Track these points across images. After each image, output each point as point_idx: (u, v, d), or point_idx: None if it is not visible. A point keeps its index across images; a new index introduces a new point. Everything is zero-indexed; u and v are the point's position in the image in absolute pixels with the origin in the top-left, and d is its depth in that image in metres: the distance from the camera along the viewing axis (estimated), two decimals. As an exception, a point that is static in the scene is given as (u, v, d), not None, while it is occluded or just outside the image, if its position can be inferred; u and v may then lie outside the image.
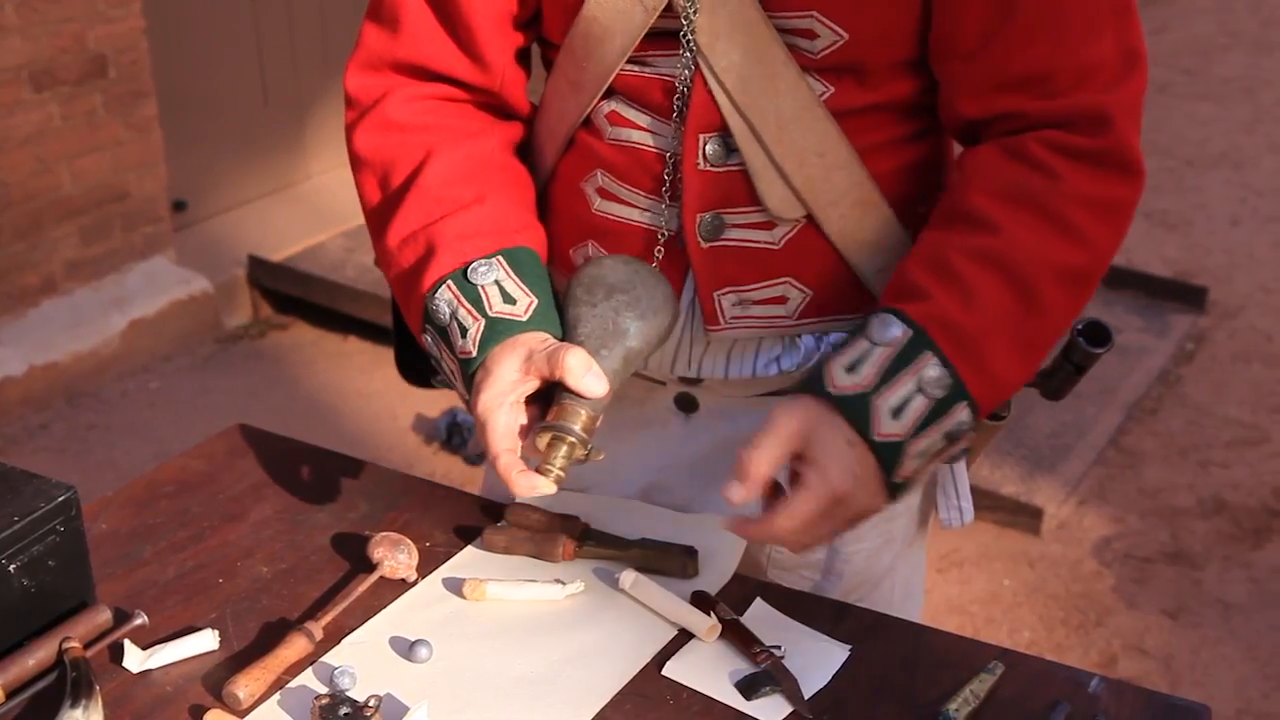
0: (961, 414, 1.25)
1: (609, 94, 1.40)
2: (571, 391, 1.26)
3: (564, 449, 1.25)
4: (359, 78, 1.45)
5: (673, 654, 1.29)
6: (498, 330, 1.30)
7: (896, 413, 1.23)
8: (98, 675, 1.23)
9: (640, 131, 1.39)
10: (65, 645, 1.24)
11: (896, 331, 1.24)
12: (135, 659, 1.27)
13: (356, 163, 1.45)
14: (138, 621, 1.29)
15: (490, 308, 1.31)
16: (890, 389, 1.23)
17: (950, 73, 1.33)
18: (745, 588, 1.38)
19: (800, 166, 1.35)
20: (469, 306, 1.32)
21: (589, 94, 1.40)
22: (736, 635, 1.30)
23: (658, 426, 1.52)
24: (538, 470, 1.25)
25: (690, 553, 1.39)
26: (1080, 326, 1.45)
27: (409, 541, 1.39)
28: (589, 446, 1.26)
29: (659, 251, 1.40)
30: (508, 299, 1.32)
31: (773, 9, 1.30)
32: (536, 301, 1.32)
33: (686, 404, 1.50)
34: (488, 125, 1.46)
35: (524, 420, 1.29)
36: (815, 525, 1.23)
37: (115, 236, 4.23)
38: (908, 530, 1.57)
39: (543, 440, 1.26)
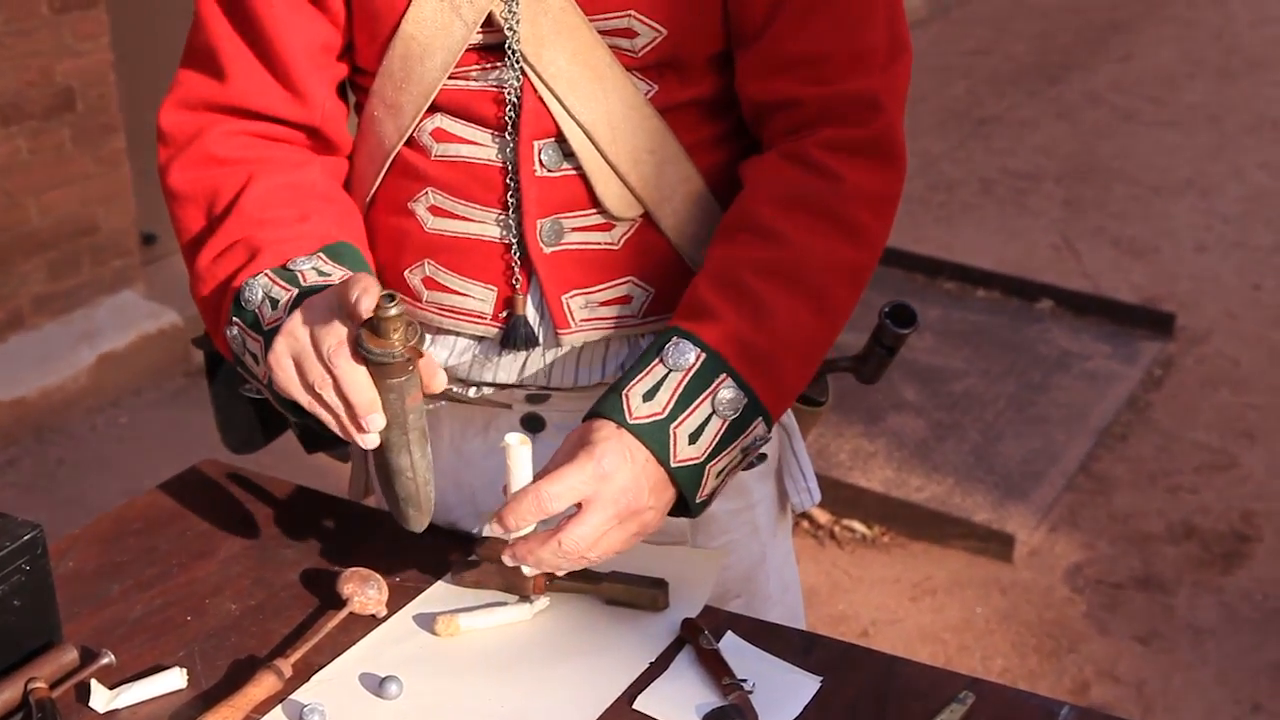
0: (758, 429, 1.32)
1: (432, 111, 1.40)
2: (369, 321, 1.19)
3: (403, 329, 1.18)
4: (175, 115, 1.43)
5: (644, 687, 1.28)
6: (310, 294, 1.27)
7: (694, 437, 1.29)
8: (64, 716, 1.22)
9: (470, 146, 1.40)
10: (31, 686, 1.23)
11: (690, 356, 1.29)
12: (102, 699, 1.26)
13: (174, 198, 1.43)
14: (105, 661, 1.28)
15: (304, 281, 1.31)
16: (687, 415, 1.28)
17: (740, 57, 1.38)
18: (716, 620, 1.38)
19: (635, 165, 1.38)
20: (284, 284, 1.31)
21: (410, 114, 1.40)
22: (712, 667, 1.30)
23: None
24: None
25: (661, 585, 1.39)
26: (887, 310, 1.51)
27: (379, 577, 1.39)
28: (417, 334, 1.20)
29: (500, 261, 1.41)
30: (323, 275, 1.32)
31: (591, 12, 1.34)
32: (352, 275, 1.26)
33: (533, 424, 1.49)
34: (311, 158, 1.46)
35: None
36: (606, 536, 1.27)
37: (84, 270, 4.21)
38: (769, 516, 1.59)
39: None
